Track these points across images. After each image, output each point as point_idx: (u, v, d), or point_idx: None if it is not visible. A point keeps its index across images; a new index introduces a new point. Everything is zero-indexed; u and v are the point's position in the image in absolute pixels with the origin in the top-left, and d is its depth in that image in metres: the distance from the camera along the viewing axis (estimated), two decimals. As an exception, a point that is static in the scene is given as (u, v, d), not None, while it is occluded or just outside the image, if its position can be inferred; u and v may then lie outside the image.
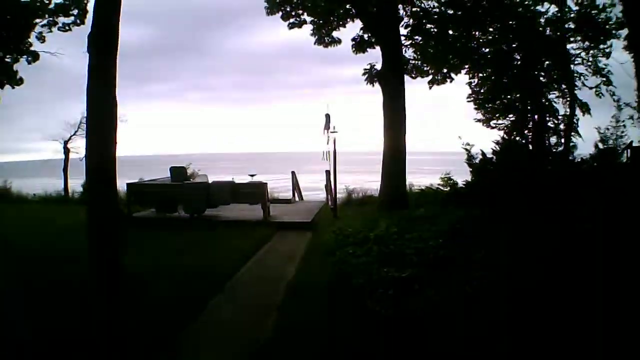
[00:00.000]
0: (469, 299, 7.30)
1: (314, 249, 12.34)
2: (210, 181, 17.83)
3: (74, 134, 27.14)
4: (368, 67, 19.51)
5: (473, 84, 20.63)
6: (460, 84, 20.70)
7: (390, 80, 18.24)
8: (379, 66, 18.98)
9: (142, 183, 18.06)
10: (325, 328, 6.92)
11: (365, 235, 11.72)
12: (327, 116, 19.08)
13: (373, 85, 19.41)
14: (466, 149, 16.81)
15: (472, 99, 20.62)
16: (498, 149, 17.02)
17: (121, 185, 17.23)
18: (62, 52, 19.00)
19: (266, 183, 16.22)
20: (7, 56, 18.28)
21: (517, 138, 18.45)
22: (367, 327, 6.76)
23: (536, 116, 19.41)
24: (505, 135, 18.02)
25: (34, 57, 18.34)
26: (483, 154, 16.76)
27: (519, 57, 19.63)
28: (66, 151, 26.91)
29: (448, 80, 20.74)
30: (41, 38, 18.20)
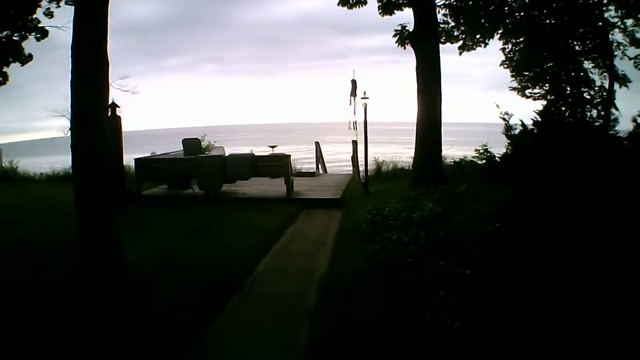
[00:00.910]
0: (559, 304, 5.73)
1: (347, 232, 10.67)
2: (227, 154, 16.32)
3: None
4: (399, 28, 17.78)
5: (507, 50, 18.82)
6: (481, 53, 19.09)
7: (424, 42, 16.39)
8: (410, 28, 17.11)
9: (151, 158, 16.39)
10: (373, 347, 5.31)
11: (408, 217, 10.11)
12: (354, 82, 17.50)
13: (404, 48, 17.55)
14: (504, 119, 16.00)
15: (506, 65, 18.79)
16: (539, 119, 15.60)
17: (131, 160, 16.12)
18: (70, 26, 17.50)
19: (289, 155, 14.51)
20: (15, 34, 17.69)
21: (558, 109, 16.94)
22: (430, 347, 5.14)
23: (570, 88, 17.60)
24: (546, 105, 16.68)
25: (43, 34, 17.65)
26: (523, 125, 15.85)
27: (553, 23, 17.65)
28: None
29: (481, 45, 18.78)
30: (49, 14, 17.42)
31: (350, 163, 20.41)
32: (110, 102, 14.40)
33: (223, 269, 7.82)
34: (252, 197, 14.33)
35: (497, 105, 16.09)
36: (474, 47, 19.02)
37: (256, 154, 15.75)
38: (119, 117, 14.55)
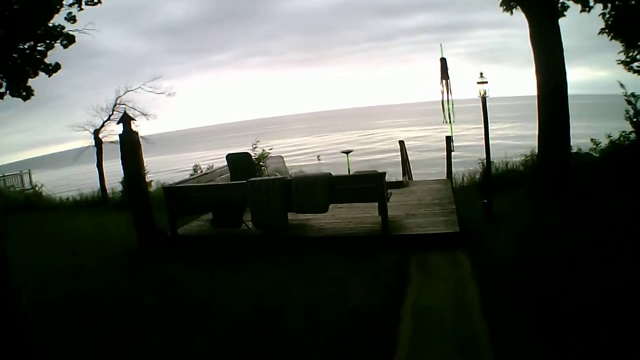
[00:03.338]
0: None
1: (498, 302, 6.42)
2: (289, 171, 12.07)
3: (107, 120, 21.77)
4: None
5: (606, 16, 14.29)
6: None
7: (539, 2, 12.41)
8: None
9: (185, 186, 11.95)
10: None
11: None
12: (443, 61, 13.37)
13: (511, 13, 14.03)
14: (630, 101, 12.91)
15: (606, 32, 14.38)
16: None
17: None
18: (92, 27, 17.89)
19: (384, 173, 10.04)
20: (39, 44, 17.26)
21: None
22: None
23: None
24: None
25: (69, 39, 17.24)
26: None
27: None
28: (98, 142, 21.23)
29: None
30: (71, 19, 17.11)
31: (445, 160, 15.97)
32: (122, 114, 10.64)
33: None
34: (330, 236, 10.00)
35: (621, 84, 13.07)
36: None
37: (334, 172, 11.41)
38: (136, 133, 10.58)
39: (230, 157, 12.37)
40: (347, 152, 15.49)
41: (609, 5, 13.75)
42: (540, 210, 10.53)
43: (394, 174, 17.81)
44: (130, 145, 10.62)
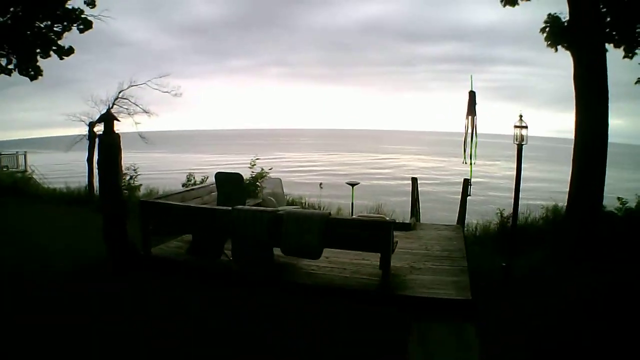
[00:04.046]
0: None
1: None
2: (284, 203, 10.71)
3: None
4: (549, 19, 13.02)
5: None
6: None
7: (587, 39, 11.17)
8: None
9: (165, 203, 10.33)
10: None
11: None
12: (472, 95, 11.91)
13: (556, 50, 13.10)
14: None
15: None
16: None
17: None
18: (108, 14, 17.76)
19: (392, 223, 8.57)
20: (56, 25, 17.31)
21: None
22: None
23: None
24: None
25: (86, 24, 17.31)
26: None
27: None
28: (92, 135, 19.75)
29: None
30: (90, 3, 17.26)
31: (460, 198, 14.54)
32: (104, 112, 9.31)
33: None
34: (321, 286, 8.48)
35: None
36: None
37: (333, 213, 10.03)
38: (118, 136, 9.22)
39: (219, 177, 10.97)
40: (352, 185, 13.98)
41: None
42: (566, 278, 9.12)
43: (401, 212, 16.49)
44: (108, 149, 9.28)
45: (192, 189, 12.04)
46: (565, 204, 11.90)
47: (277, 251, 8.74)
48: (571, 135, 11.29)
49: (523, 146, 9.55)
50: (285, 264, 9.14)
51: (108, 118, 9.40)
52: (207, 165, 54.26)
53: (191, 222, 9.61)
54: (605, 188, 11.18)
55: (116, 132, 9.47)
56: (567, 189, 11.69)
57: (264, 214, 8.61)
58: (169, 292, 8.09)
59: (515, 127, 9.48)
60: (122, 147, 9.34)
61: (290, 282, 8.56)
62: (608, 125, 11.02)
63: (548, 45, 12.99)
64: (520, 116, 9.47)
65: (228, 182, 10.76)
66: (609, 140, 11.07)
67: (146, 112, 21.57)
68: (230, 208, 8.84)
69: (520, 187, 9.71)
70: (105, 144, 9.28)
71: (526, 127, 9.42)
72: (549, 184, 35.00)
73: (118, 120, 9.71)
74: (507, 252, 9.81)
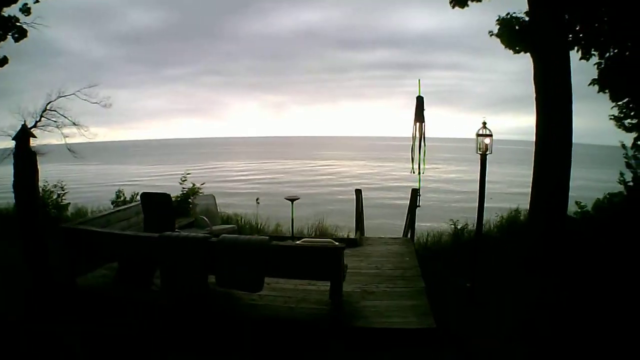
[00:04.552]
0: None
1: None
2: (219, 221, 9.66)
3: (34, 126, 18.99)
4: (507, 16, 12.42)
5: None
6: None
7: (549, 39, 10.64)
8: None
9: (88, 230, 8.93)
10: None
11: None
12: (420, 100, 11.48)
13: (515, 50, 12.46)
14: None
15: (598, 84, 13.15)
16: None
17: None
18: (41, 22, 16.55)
19: (342, 248, 7.52)
20: None
21: None
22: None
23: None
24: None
25: (21, 33, 16.34)
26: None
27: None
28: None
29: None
30: (26, 10, 16.21)
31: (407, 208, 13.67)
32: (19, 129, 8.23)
33: None
34: (262, 318, 7.36)
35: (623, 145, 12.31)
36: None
37: (277, 240, 9.01)
38: (34, 154, 8.17)
39: (145, 198, 9.78)
40: (292, 200, 12.91)
41: (609, 53, 12.45)
42: (537, 295, 8.36)
43: (344, 224, 15.66)
44: (22, 169, 8.11)
45: (118, 210, 10.84)
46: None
47: (213, 278, 7.63)
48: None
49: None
50: (222, 295, 8.00)
51: (23, 135, 8.26)
52: (140, 177, 52.52)
53: (116, 250, 8.45)
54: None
55: (32, 149, 8.42)
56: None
57: (195, 242, 7.47)
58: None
59: (479, 135, 8.59)
60: (51, 160, 8.22)
61: (226, 316, 7.47)
62: (572, 126, 10.42)
63: (506, 47, 12.35)
64: (484, 123, 8.56)
65: (155, 203, 9.59)
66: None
67: (75, 125, 20.16)
68: (156, 235, 7.70)
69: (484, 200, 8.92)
70: (20, 162, 8.15)
71: (490, 135, 8.53)
72: (493, 185, 34.92)
73: (34, 137, 8.64)
74: (468, 270, 8.97)
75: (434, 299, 8.09)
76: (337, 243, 7.95)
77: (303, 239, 8.93)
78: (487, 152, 8.51)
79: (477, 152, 8.58)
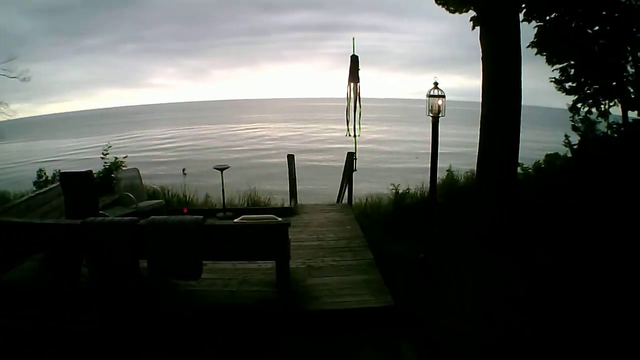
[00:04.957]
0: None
1: None
2: (145, 196, 8.89)
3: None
4: None
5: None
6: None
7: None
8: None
9: (6, 222, 7.55)
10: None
11: None
12: (354, 59, 10.61)
13: (461, 11, 11.63)
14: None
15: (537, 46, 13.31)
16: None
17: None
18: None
19: (286, 224, 6.75)
20: None
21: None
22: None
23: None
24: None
25: None
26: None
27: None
28: None
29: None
30: None
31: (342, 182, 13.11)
32: None
33: None
34: (200, 307, 6.68)
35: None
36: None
37: (216, 217, 8.38)
38: None
39: (64, 179, 8.77)
40: (221, 169, 12.01)
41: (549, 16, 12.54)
42: (493, 268, 7.92)
43: (277, 192, 14.99)
44: None
45: (38, 194, 9.78)
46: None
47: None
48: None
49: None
50: (156, 282, 7.21)
51: None
52: (64, 152, 50.21)
53: (37, 241, 7.50)
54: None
55: None
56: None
57: (122, 226, 6.62)
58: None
59: (430, 96, 8.01)
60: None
61: (163, 307, 6.73)
62: (521, 87, 9.90)
63: (444, 7, 11.73)
64: (436, 84, 8.00)
65: (75, 183, 8.61)
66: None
67: None
68: (78, 222, 6.81)
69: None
70: None
71: (443, 96, 7.98)
72: (421, 145, 34.79)
73: None
74: (412, 237, 8.43)
75: (383, 272, 7.55)
76: (279, 219, 7.24)
77: (242, 217, 8.08)
78: (440, 115, 7.95)
79: (427, 114, 8.02)
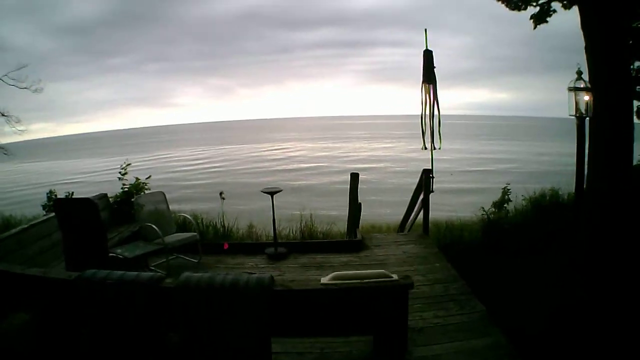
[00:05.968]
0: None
1: None
2: (172, 226, 7.10)
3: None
4: None
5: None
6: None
7: None
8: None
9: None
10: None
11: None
12: (428, 54, 8.69)
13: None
14: None
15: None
16: None
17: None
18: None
19: (408, 285, 4.27)
20: None
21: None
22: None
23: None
24: None
25: None
26: None
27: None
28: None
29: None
30: None
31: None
32: None
33: None
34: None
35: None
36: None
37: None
38: None
39: (59, 207, 6.52)
40: (272, 193, 9.31)
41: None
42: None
43: (326, 216, 12.69)
44: None
45: (33, 225, 7.54)
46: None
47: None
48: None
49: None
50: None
51: None
52: (82, 173, 48.44)
53: (17, 297, 5.22)
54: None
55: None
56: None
57: (136, 288, 4.18)
58: None
59: (573, 89, 5.88)
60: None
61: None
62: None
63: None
64: (579, 73, 5.98)
65: (75, 214, 6.35)
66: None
67: (3, 115, 18.10)
68: (72, 276, 4.47)
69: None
70: None
71: (589, 89, 5.86)
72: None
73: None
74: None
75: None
76: (394, 276, 4.76)
77: (332, 274, 5.24)
78: (585, 115, 5.89)
79: (570, 114, 5.93)
